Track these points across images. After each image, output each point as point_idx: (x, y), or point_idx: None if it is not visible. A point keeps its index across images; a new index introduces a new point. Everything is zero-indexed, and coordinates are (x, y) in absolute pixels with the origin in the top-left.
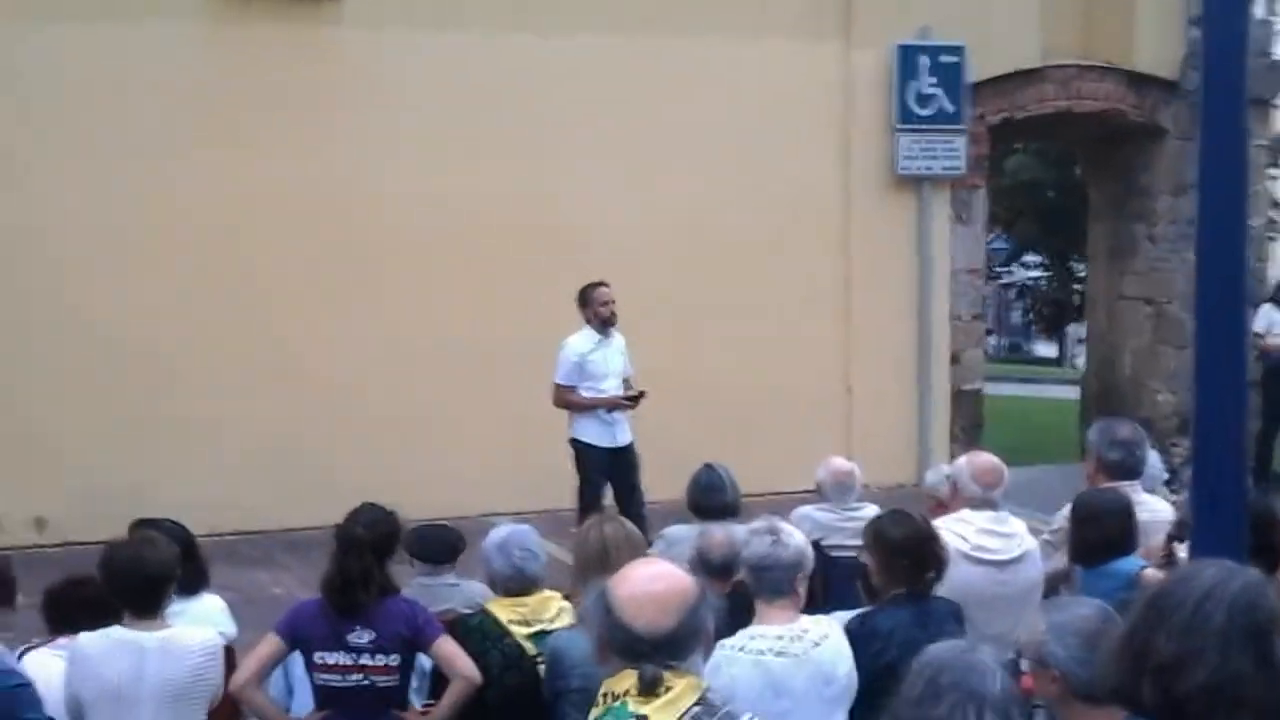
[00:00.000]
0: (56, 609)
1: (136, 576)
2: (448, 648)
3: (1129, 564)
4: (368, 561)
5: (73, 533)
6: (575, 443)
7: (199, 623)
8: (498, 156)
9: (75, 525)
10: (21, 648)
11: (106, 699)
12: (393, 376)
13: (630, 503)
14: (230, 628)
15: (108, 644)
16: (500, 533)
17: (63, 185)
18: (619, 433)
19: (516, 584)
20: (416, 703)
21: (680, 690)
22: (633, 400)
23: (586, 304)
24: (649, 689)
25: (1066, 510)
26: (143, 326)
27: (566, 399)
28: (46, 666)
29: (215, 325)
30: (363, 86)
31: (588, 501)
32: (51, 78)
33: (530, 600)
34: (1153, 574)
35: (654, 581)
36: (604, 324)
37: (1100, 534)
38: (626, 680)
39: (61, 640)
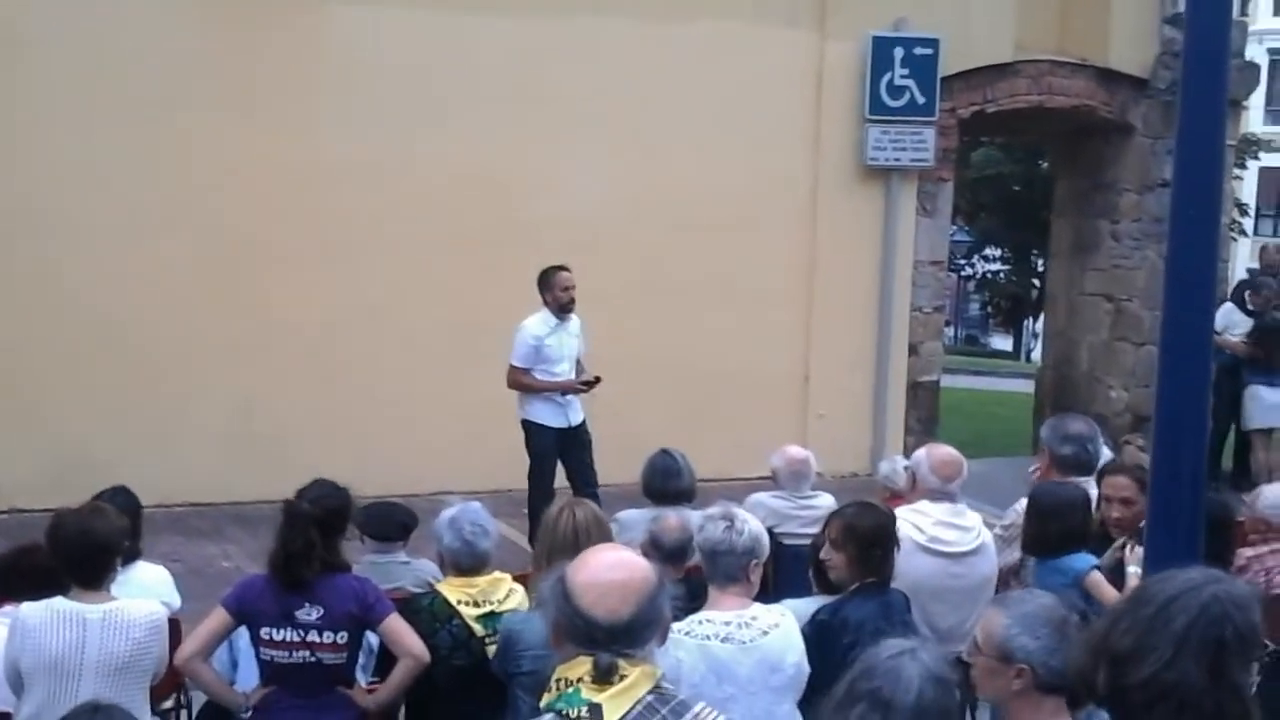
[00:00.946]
0: (3, 577)
1: (84, 546)
2: (396, 626)
3: (1080, 561)
4: (311, 536)
5: (20, 499)
6: (526, 423)
7: (141, 594)
8: (469, 137)
9: (23, 492)
10: None
11: (46, 669)
12: (350, 354)
13: (584, 481)
14: (174, 599)
15: (49, 615)
16: (451, 510)
17: (40, 152)
18: (571, 413)
19: (467, 560)
20: (362, 680)
21: (634, 679)
22: (588, 385)
23: (547, 287)
24: (604, 677)
25: (1020, 505)
26: (101, 295)
27: (521, 381)
28: None
29: (174, 297)
30: (349, 60)
31: (539, 481)
32: (41, 48)
33: (480, 581)
34: (1098, 577)
35: (613, 569)
36: (562, 309)
37: (1058, 527)
38: (580, 667)
39: (7, 608)
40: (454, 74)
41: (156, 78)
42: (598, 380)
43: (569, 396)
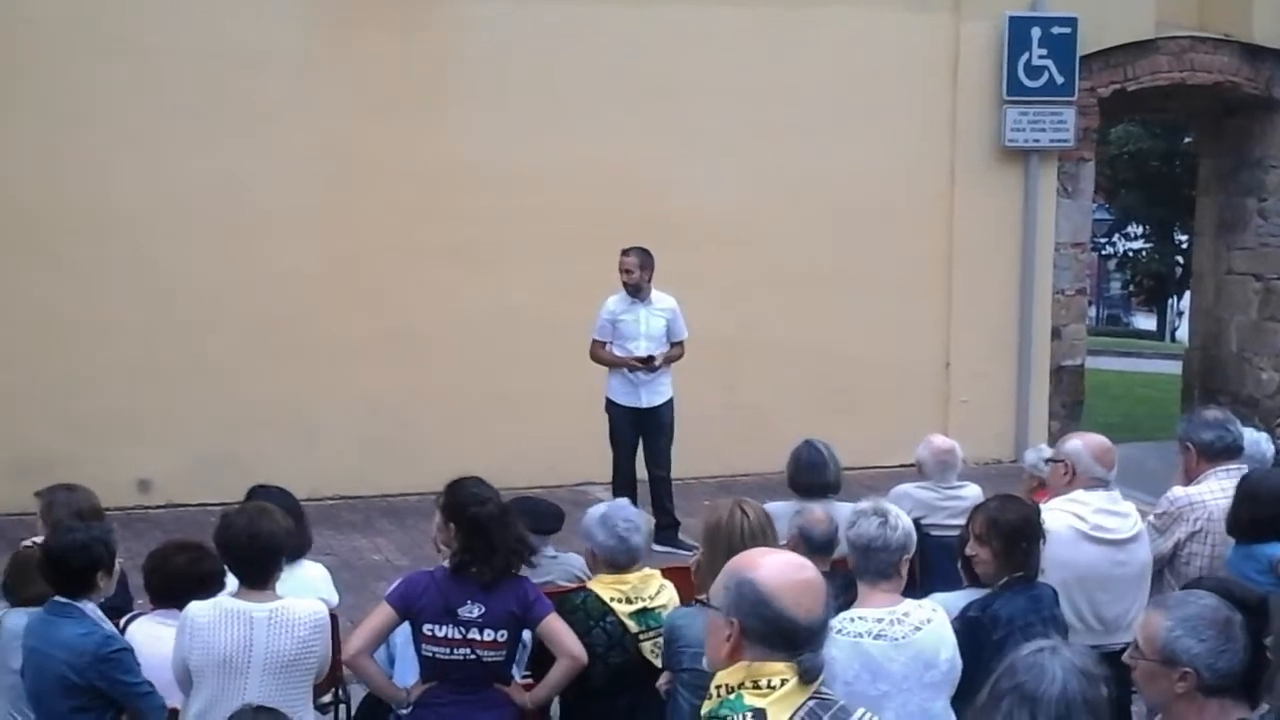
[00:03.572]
0: (157, 578)
1: (252, 547)
2: (555, 625)
3: (1275, 549)
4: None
5: (175, 495)
6: (606, 401)
7: (302, 590)
8: (602, 127)
9: (178, 488)
10: (128, 615)
11: (214, 667)
12: (492, 348)
13: (653, 464)
14: (332, 596)
15: (217, 613)
16: (600, 508)
17: (176, 159)
18: (645, 394)
19: (623, 556)
20: (516, 674)
21: (796, 683)
22: (641, 362)
23: None
24: (812, 677)
25: (1172, 493)
26: (248, 296)
27: (596, 353)
28: (153, 634)
29: (319, 295)
30: (481, 60)
31: (615, 458)
32: (171, 56)
33: (631, 577)
34: None
35: (800, 570)
36: (627, 289)
37: (1252, 513)
38: (740, 673)
39: (162, 610)
40: (584, 68)
41: (287, 81)
42: (650, 359)
43: (641, 375)
